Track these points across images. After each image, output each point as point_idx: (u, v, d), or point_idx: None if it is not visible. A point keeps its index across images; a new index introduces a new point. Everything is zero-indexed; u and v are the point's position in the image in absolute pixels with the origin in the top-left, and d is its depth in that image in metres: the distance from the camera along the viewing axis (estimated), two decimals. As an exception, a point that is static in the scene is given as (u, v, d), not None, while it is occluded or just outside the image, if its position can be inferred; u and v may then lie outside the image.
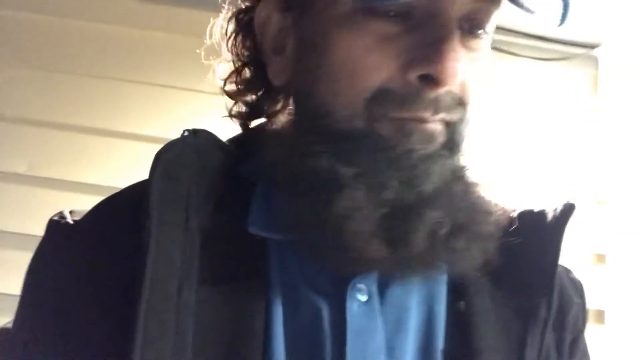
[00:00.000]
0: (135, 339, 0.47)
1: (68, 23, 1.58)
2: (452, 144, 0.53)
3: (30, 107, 1.53)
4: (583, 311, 0.63)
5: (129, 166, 1.55)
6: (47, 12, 1.56)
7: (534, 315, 0.56)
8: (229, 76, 0.63)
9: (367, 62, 0.50)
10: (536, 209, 0.60)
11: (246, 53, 0.61)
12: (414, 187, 0.50)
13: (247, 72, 0.62)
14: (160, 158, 0.54)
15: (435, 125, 0.51)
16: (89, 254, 0.54)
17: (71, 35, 1.58)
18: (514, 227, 0.59)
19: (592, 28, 1.58)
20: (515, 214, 0.61)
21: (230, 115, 0.63)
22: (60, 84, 1.55)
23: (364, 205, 0.49)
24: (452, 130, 0.53)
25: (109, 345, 0.49)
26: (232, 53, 0.62)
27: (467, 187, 0.54)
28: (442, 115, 0.51)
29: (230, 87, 0.63)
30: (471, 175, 0.55)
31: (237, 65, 0.62)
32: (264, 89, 0.61)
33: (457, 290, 0.57)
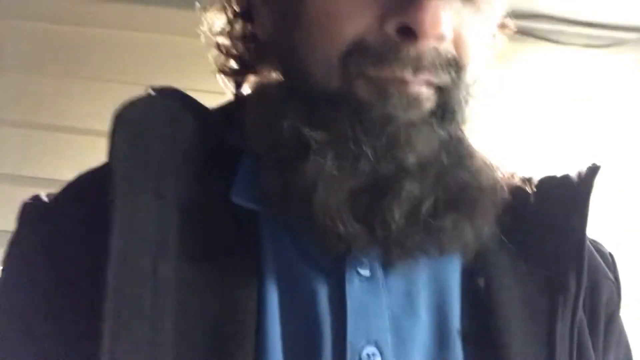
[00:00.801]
0: (104, 318, 0.43)
1: (49, 27, 1.58)
2: (443, 112, 0.48)
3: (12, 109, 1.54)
4: (617, 287, 0.58)
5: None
6: (27, 16, 1.56)
7: (563, 290, 0.52)
8: (222, 31, 0.60)
9: (341, 11, 0.47)
10: (558, 174, 0.56)
11: (237, 2, 0.58)
12: (393, 158, 0.46)
13: (238, 25, 0.59)
14: (119, 118, 0.49)
15: (420, 88, 0.47)
16: (63, 232, 0.50)
17: (54, 37, 1.57)
18: (534, 195, 0.55)
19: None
20: (535, 182, 0.57)
21: (222, 72, 0.61)
22: (46, 86, 1.55)
23: (332, 176, 0.46)
24: (444, 95, 0.48)
25: (83, 326, 0.45)
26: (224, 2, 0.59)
27: (461, 161, 0.50)
28: (426, 76, 0.46)
29: (222, 40, 0.60)
30: (470, 148, 0.52)
31: (228, 17, 0.59)
32: (253, 45, 0.58)
33: (474, 266, 0.52)
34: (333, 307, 0.48)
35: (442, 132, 0.48)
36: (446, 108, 0.48)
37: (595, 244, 0.60)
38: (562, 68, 1.56)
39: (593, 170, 0.54)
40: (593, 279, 0.55)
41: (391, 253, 0.48)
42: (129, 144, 0.49)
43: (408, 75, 0.46)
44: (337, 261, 0.49)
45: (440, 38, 0.45)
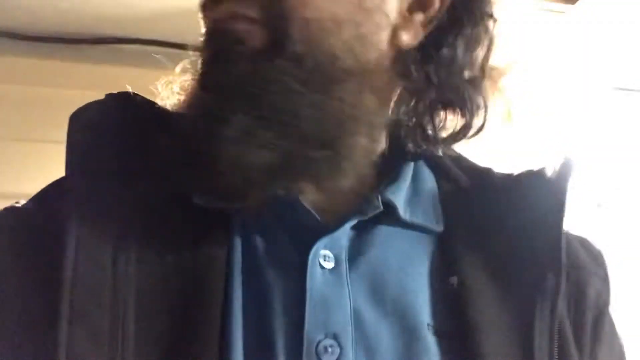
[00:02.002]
0: (61, 307, 0.43)
1: None
2: (274, 46, 0.47)
3: None
4: (605, 284, 0.55)
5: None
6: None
7: (540, 289, 0.50)
8: None
9: None
10: (534, 169, 0.54)
11: None
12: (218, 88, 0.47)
13: None
14: (74, 120, 0.50)
15: (237, 25, 0.47)
16: (33, 232, 0.49)
17: None
18: (510, 192, 0.54)
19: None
20: (511, 177, 0.56)
21: None
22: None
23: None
24: (272, 29, 0.47)
25: (46, 320, 0.44)
26: None
27: (291, 89, 0.46)
28: (230, 7, 0.48)
29: None
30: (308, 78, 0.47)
31: None
32: None
33: (446, 265, 0.52)
34: (293, 300, 0.47)
35: (270, 65, 0.46)
36: (277, 42, 0.47)
37: (583, 241, 0.57)
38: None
39: (568, 165, 0.53)
40: (578, 277, 0.54)
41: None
42: (84, 144, 0.50)
43: (213, 10, 0.49)
44: (303, 255, 0.48)
45: None
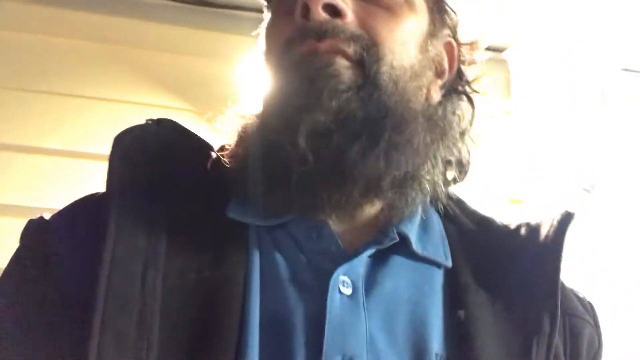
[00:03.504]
0: (94, 313, 0.46)
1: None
2: (365, 80, 0.54)
3: None
4: (597, 332, 0.60)
5: (30, 183, 1.43)
6: None
7: (537, 331, 0.54)
8: None
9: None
10: (533, 221, 0.60)
11: None
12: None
13: None
14: (117, 142, 0.56)
15: (331, 56, 0.54)
16: (61, 245, 0.53)
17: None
18: (512, 240, 0.60)
19: (500, 32, 1.63)
20: (514, 226, 0.61)
21: None
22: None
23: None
24: (363, 67, 0.54)
25: (75, 326, 0.48)
26: None
27: (376, 114, 0.53)
28: (331, 42, 0.53)
29: None
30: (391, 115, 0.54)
31: None
32: None
33: (454, 298, 0.56)
34: (312, 321, 0.50)
35: (359, 94, 0.53)
36: (366, 77, 0.53)
37: (575, 292, 0.63)
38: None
39: (567, 217, 0.58)
40: (573, 323, 0.59)
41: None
42: (122, 164, 0.55)
43: (312, 42, 0.54)
44: (321, 279, 0.52)
45: (333, 11, 0.54)
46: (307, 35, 0.54)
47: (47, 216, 0.57)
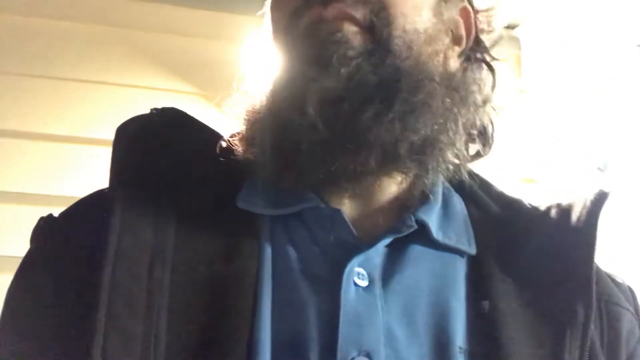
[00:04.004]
0: (98, 312, 0.45)
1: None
2: (376, 45, 0.52)
3: None
4: (638, 320, 0.56)
5: (36, 169, 1.42)
6: None
7: (569, 320, 0.50)
8: None
9: None
10: (564, 202, 0.56)
11: None
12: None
13: None
14: (120, 132, 0.55)
15: (338, 24, 0.51)
16: (66, 243, 0.52)
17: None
18: (541, 223, 0.56)
19: (512, 8, 1.59)
20: (543, 208, 0.58)
21: None
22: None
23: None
24: (373, 31, 0.52)
25: (80, 324, 0.46)
26: None
27: (393, 80, 0.51)
28: (339, 6, 0.51)
29: None
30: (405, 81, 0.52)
31: None
32: None
33: (478, 288, 0.53)
34: (327, 315, 0.48)
35: (371, 60, 0.51)
36: (380, 44, 0.51)
37: (611, 275, 0.58)
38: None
39: (601, 197, 0.54)
40: (610, 311, 0.54)
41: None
42: (126, 155, 0.54)
43: (319, 9, 0.52)
44: (336, 270, 0.49)
45: None
46: (313, 2, 0.52)
47: (56, 214, 0.55)
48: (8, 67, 1.46)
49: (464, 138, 0.56)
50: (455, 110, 0.54)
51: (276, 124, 0.52)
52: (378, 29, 0.52)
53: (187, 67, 1.57)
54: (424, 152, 0.51)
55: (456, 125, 0.54)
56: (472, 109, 0.56)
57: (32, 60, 1.48)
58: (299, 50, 0.52)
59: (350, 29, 0.51)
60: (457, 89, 0.55)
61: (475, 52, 0.60)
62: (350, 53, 0.50)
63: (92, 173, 1.32)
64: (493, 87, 0.60)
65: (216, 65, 1.53)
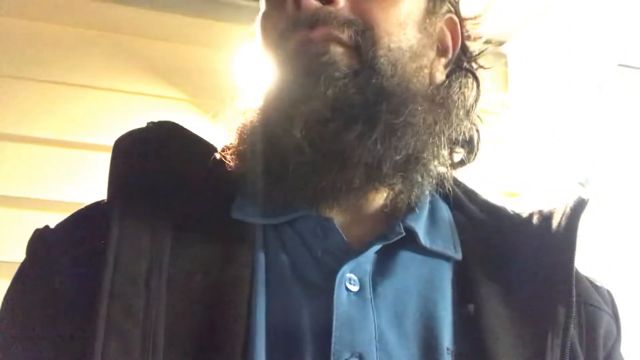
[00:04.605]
0: (98, 319, 0.46)
1: None
2: (362, 65, 0.53)
3: None
4: (616, 323, 0.59)
5: (20, 172, 1.41)
6: None
7: (551, 322, 0.53)
8: None
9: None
10: (545, 208, 0.59)
11: None
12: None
13: None
14: (118, 145, 0.56)
15: (325, 44, 0.53)
16: (65, 255, 0.53)
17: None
18: (523, 228, 0.58)
19: (499, 25, 1.63)
20: (526, 213, 0.60)
21: None
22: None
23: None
24: (359, 52, 0.53)
25: (78, 333, 0.47)
26: None
27: (375, 97, 0.52)
28: (324, 30, 0.52)
29: None
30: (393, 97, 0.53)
31: None
32: None
33: (464, 292, 0.55)
34: (320, 320, 0.49)
35: (355, 79, 0.52)
36: (364, 62, 0.52)
37: (590, 280, 0.60)
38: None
39: (580, 204, 0.56)
40: (589, 313, 0.57)
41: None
42: (124, 168, 0.55)
43: (305, 32, 0.53)
44: (328, 276, 0.51)
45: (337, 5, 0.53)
46: (300, 25, 0.53)
47: (52, 225, 0.56)
48: (1, 70, 1.46)
49: (448, 149, 0.58)
50: (439, 126, 0.55)
51: (265, 143, 0.53)
52: (363, 49, 0.53)
53: (179, 74, 1.58)
54: (406, 168, 0.53)
55: (440, 139, 0.55)
56: (457, 120, 0.58)
57: (25, 64, 1.48)
58: (288, 72, 0.54)
59: (337, 50, 0.52)
60: (442, 103, 0.56)
61: (461, 61, 0.62)
62: (337, 74, 0.51)
63: (86, 177, 1.33)
64: (478, 95, 0.62)
65: (207, 73, 1.54)
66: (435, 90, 0.57)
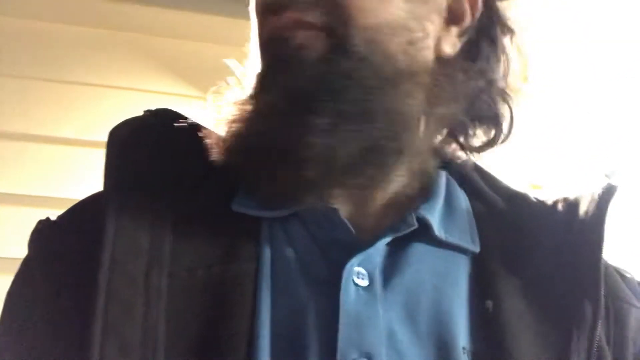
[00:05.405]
0: (95, 320, 0.44)
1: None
2: (337, 49, 0.49)
3: None
4: None
5: (43, 172, 1.43)
6: None
7: (577, 319, 0.49)
8: None
9: None
10: (572, 196, 0.54)
11: None
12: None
13: None
14: (113, 136, 0.53)
15: (291, 32, 0.49)
16: (62, 248, 0.51)
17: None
18: (547, 218, 0.54)
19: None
20: (549, 202, 0.55)
21: None
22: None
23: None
24: (330, 32, 0.49)
25: (76, 331, 0.45)
26: None
27: (362, 89, 0.49)
28: (293, 15, 0.49)
29: None
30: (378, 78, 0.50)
31: None
32: None
33: (482, 287, 0.51)
34: (326, 316, 0.47)
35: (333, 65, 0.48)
36: (339, 45, 0.49)
37: (619, 270, 0.56)
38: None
39: (609, 191, 0.52)
40: (618, 308, 0.53)
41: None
42: (120, 159, 0.52)
43: (272, 19, 0.50)
44: (335, 271, 0.48)
45: None
46: (267, 12, 0.51)
47: (53, 217, 0.54)
48: (14, 70, 1.47)
49: (465, 130, 0.55)
50: (442, 107, 0.52)
51: (242, 137, 0.51)
52: (335, 29, 0.49)
53: (194, 72, 1.57)
54: (368, 162, 0.49)
55: (428, 124, 0.52)
56: (471, 97, 0.54)
57: (37, 64, 1.49)
58: (261, 63, 0.52)
59: (304, 35, 0.49)
60: (450, 76, 0.52)
61: (484, 26, 0.55)
62: (307, 61, 0.48)
63: (97, 176, 1.31)
64: (507, 65, 0.57)
65: (223, 70, 1.53)
66: (440, 65, 0.53)
